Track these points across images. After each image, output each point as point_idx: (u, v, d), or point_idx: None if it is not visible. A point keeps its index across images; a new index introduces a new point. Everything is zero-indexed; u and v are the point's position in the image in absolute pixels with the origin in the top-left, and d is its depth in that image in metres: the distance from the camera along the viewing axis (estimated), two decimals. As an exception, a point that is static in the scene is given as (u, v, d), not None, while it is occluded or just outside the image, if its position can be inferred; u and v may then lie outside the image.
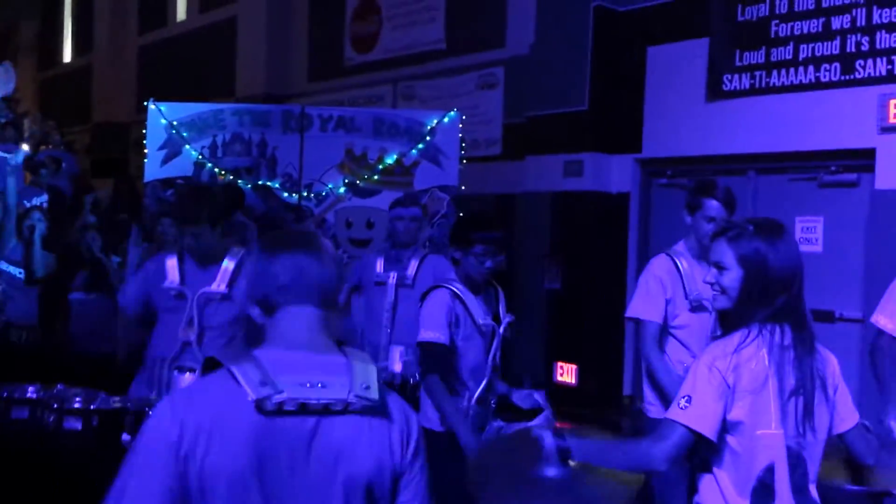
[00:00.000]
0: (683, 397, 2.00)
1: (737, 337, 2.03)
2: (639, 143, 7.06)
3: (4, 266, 5.04)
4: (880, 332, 3.13)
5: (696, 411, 1.98)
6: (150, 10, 14.49)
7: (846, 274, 5.90)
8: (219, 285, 3.42)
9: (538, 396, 3.36)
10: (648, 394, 3.34)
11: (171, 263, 3.49)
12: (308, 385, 1.45)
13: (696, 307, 3.25)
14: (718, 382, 1.99)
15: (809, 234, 6.14)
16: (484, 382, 3.16)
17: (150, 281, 3.55)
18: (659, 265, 3.37)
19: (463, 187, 6.65)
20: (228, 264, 3.43)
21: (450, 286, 3.19)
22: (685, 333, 3.28)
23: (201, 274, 3.45)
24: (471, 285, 3.19)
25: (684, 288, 3.28)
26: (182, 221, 3.45)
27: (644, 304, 3.35)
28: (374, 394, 1.48)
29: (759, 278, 2.07)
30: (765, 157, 6.28)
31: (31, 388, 3.13)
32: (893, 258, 5.39)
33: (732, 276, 2.14)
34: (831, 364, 2.13)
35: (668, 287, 3.30)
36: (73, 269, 5.25)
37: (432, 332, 3.11)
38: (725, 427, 2.00)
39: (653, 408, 3.30)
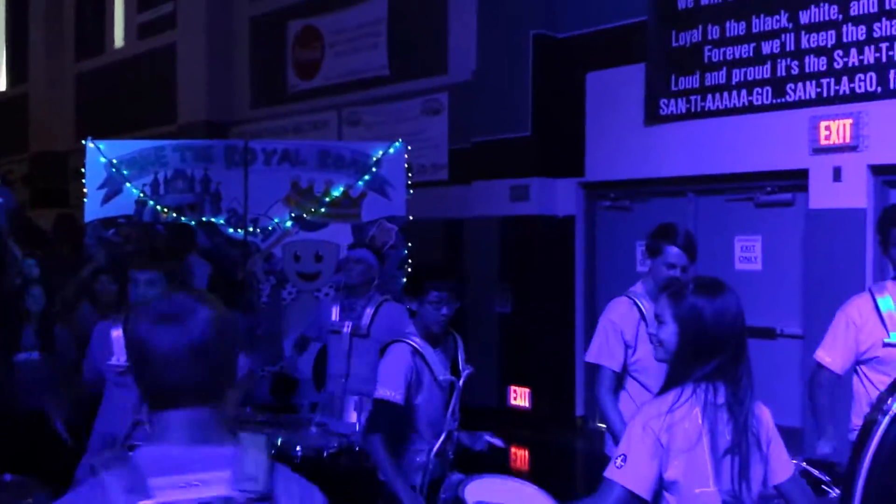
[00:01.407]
0: (619, 456, 2.05)
1: (671, 396, 2.08)
2: (582, 166, 7.19)
3: None
4: (820, 367, 3.21)
5: (630, 471, 2.02)
6: (86, 37, 14.20)
7: (785, 291, 6.09)
8: None
9: (489, 437, 3.37)
10: (609, 438, 3.35)
11: (116, 335, 3.29)
12: (186, 484, 1.37)
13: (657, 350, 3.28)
14: (652, 442, 2.02)
15: (749, 252, 6.32)
16: (443, 436, 3.15)
17: (96, 356, 3.42)
18: (617, 309, 3.37)
19: (411, 217, 6.66)
20: None
21: (409, 341, 3.16)
22: (646, 377, 3.28)
23: None
24: (429, 337, 3.18)
25: (647, 330, 3.26)
26: (135, 266, 3.29)
27: (602, 349, 3.35)
28: (259, 485, 1.40)
29: (694, 336, 2.11)
30: (703, 179, 6.44)
31: None
32: (829, 275, 5.59)
33: (669, 332, 2.19)
34: (765, 418, 2.18)
35: (629, 332, 3.31)
36: (12, 325, 5.06)
37: (388, 390, 3.07)
38: (664, 485, 2.04)
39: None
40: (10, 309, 5.10)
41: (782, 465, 2.17)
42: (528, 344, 7.18)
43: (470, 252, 7.75)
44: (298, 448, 3.68)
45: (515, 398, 7.10)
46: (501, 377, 7.20)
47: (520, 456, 6.36)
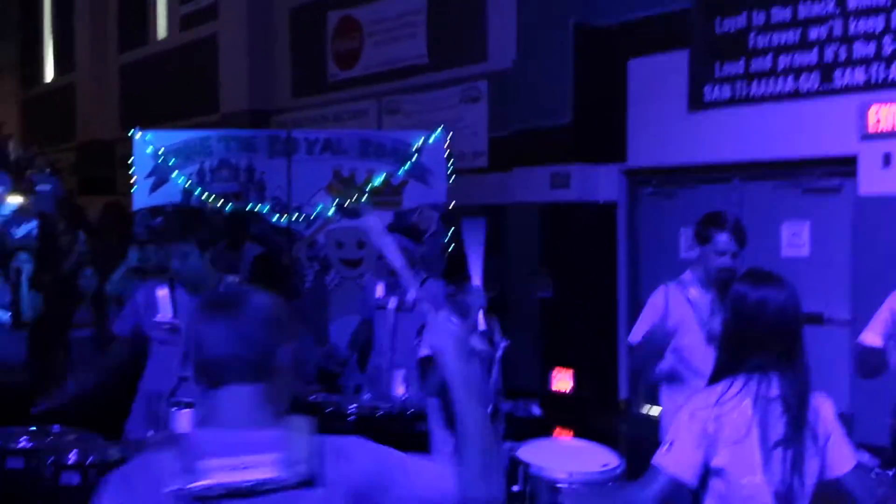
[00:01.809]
0: (667, 443, 2.08)
1: (720, 387, 2.09)
2: (623, 153, 7.15)
3: None
4: (865, 349, 3.20)
5: (675, 457, 2.06)
6: (130, 27, 14.47)
7: (833, 277, 6.00)
8: None
9: (533, 408, 3.43)
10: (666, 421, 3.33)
11: (162, 293, 3.38)
12: (234, 467, 1.41)
13: (712, 338, 3.14)
14: (699, 430, 2.05)
15: (796, 239, 6.24)
16: (489, 408, 3.21)
17: (141, 313, 3.45)
18: (661, 294, 3.38)
19: (452, 204, 6.70)
20: None
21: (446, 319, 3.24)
22: (698, 362, 3.21)
23: (194, 304, 3.32)
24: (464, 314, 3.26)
25: (697, 316, 3.26)
26: (167, 240, 3.39)
27: (640, 329, 3.38)
28: (304, 467, 1.44)
29: (736, 323, 2.12)
30: (748, 166, 6.37)
31: (23, 438, 3.02)
32: (878, 261, 5.51)
33: (717, 320, 2.21)
34: (823, 411, 2.16)
35: (672, 315, 3.27)
36: (68, 305, 5.23)
37: (429, 348, 3.18)
38: (711, 472, 2.06)
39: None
40: (66, 289, 5.28)
41: (842, 458, 2.15)
42: (570, 328, 7.19)
43: (510, 238, 7.77)
44: (353, 406, 3.79)
45: (558, 382, 7.13)
46: (544, 361, 7.23)
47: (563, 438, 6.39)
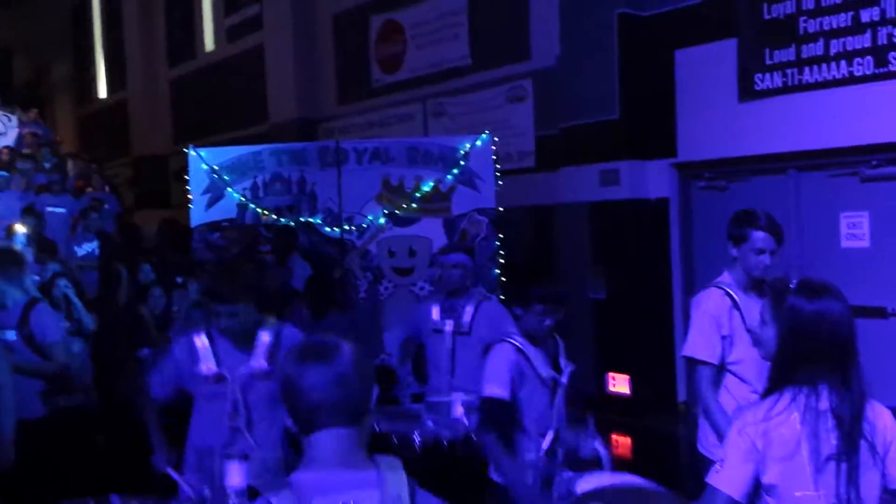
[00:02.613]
0: (719, 461, 2.08)
1: (767, 403, 2.07)
2: (673, 147, 7.04)
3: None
4: None
5: (725, 474, 2.05)
6: (178, 42, 14.79)
7: (895, 268, 5.83)
8: (259, 362, 3.18)
9: (598, 445, 3.39)
10: (709, 435, 3.27)
11: (202, 344, 3.21)
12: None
13: (757, 343, 3.19)
14: (747, 447, 2.04)
15: (855, 229, 6.07)
16: (550, 434, 3.21)
17: (181, 366, 3.26)
18: (711, 300, 3.26)
19: (501, 209, 6.69)
20: (265, 337, 3.21)
21: (511, 340, 3.26)
22: (743, 368, 3.21)
23: (237, 352, 3.21)
24: (530, 339, 3.27)
25: (743, 321, 3.19)
26: (216, 301, 3.19)
27: (699, 343, 3.27)
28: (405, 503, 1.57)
29: (791, 337, 2.09)
30: (804, 155, 6.22)
31: None
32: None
33: (770, 333, 2.17)
34: (881, 422, 2.10)
35: (725, 324, 3.22)
36: (132, 329, 5.39)
37: (495, 387, 3.17)
38: (763, 488, 2.05)
39: (709, 446, 3.25)
40: (128, 310, 5.44)
41: None
42: (625, 330, 7.12)
43: (560, 239, 7.73)
44: (417, 437, 3.82)
45: (614, 385, 7.07)
46: (599, 364, 7.18)
47: (622, 443, 6.35)
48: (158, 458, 3.27)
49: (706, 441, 3.30)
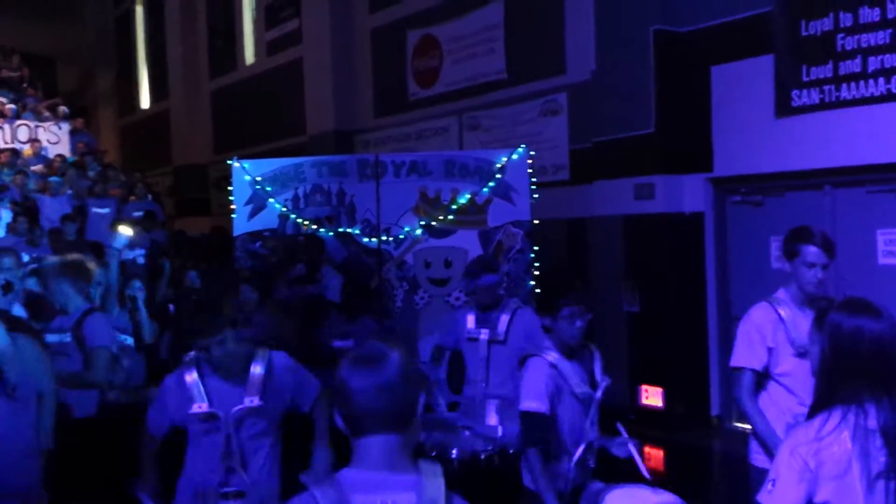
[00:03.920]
0: (770, 481, 2.12)
1: (817, 422, 2.11)
2: (709, 162, 7.08)
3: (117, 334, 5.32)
4: None
5: (778, 494, 2.09)
6: (220, 55, 15.12)
7: (934, 285, 5.80)
8: (251, 399, 3.12)
9: (631, 446, 3.44)
10: (753, 443, 3.33)
11: (192, 380, 3.15)
12: (379, 503, 1.62)
13: (802, 353, 3.17)
14: (800, 467, 2.07)
15: (892, 246, 6.05)
16: (583, 447, 3.26)
17: (174, 403, 3.21)
18: (759, 314, 3.33)
19: (536, 221, 6.78)
20: (256, 369, 3.17)
21: (545, 355, 3.29)
22: (791, 381, 3.25)
23: (228, 388, 3.16)
24: (566, 350, 3.29)
25: (788, 335, 3.26)
26: (200, 336, 3.13)
27: (744, 352, 3.31)
28: None
29: (833, 353, 2.14)
30: (840, 171, 6.22)
31: None
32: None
33: (815, 349, 2.23)
34: None
35: (769, 335, 3.29)
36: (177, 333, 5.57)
37: (533, 401, 3.20)
38: None
39: (760, 457, 3.29)
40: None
41: None
42: (658, 343, 7.15)
43: (594, 252, 7.79)
44: (455, 451, 3.89)
45: (647, 397, 7.10)
46: (632, 376, 7.21)
47: (654, 456, 6.37)
48: (141, 485, 3.27)
49: (754, 451, 3.33)
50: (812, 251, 3.22)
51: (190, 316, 3.94)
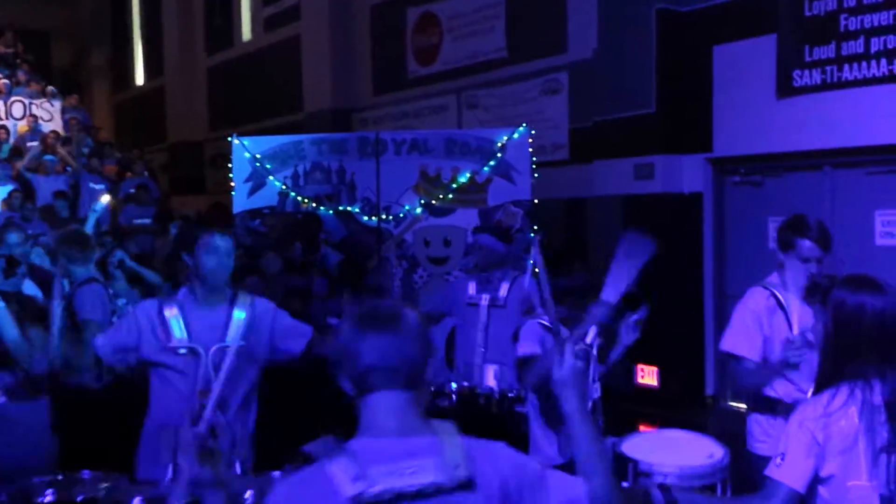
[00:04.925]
0: (779, 455, 2.15)
1: (825, 397, 2.14)
2: (709, 142, 7.07)
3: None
4: None
5: (787, 467, 2.12)
6: (216, 31, 14.99)
7: (931, 266, 5.83)
8: (233, 338, 2.97)
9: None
10: (756, 430, 3.34)
11: (172, 313, 3.05)
12: (400, 473, 1.53)
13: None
14: (808, 440, 2.11)
15: (891, 227, 6.08)
16: (588, 404, 3.31)
17: (149, 334, 3.07)
18: (754, 299, 3.29)
19: (536, 201, 6.78)
20: (238, 309, 3.09)
21: (541, 320, 3.38)
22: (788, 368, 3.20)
23: (209, 324, 3.07)
24: (562, 321, 3.35)
25: (789, 323, 3.22)
26: (195, 241, 3.05)
27: (740, 339, 3.28)
28: (463, 471, 1.56)
29: (836, 329, 2.16)
30: (840, 152, 6.23)
31: (51, 491, 2.63)
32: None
33: (818, 327, 2.25)
34: None
35: (765, 323, 3.26)
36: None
37: (527, 346, 3.31)
38: (819, 480, 2.12)
39: (761, 444, 3.30)
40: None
41: None
42: (654, 323, 7.10)
43: (593, 231, 7.80)
44: (453, 384, 3.90)
45: (643, 377, 7.14)
46: (627, 356, 7.22)
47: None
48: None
49: (754, 439, 3.34)
50: (807, 246, 3.18)
51: (201, 220, 3.81)
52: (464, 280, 4.73)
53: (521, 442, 3.36)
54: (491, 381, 4.32)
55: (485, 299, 4.49)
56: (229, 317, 3.09)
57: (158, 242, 7.99)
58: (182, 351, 3.04)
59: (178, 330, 3.04)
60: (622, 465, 2.91)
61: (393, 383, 1.60)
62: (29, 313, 3.60)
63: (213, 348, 3.03)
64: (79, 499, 2.61)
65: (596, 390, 3.40)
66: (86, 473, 2.78)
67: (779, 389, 3.26)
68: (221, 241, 3.04)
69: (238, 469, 2.91)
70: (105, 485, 2.68)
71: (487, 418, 3.89)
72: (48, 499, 2.60)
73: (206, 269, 3.04)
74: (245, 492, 2.50)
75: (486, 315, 4.46)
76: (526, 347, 3.32)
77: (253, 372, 3.18)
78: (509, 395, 4.01)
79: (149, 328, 3.08)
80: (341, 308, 5.26)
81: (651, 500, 2.17)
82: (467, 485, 1.57)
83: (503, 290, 4.48)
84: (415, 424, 1.62)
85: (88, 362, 4.22)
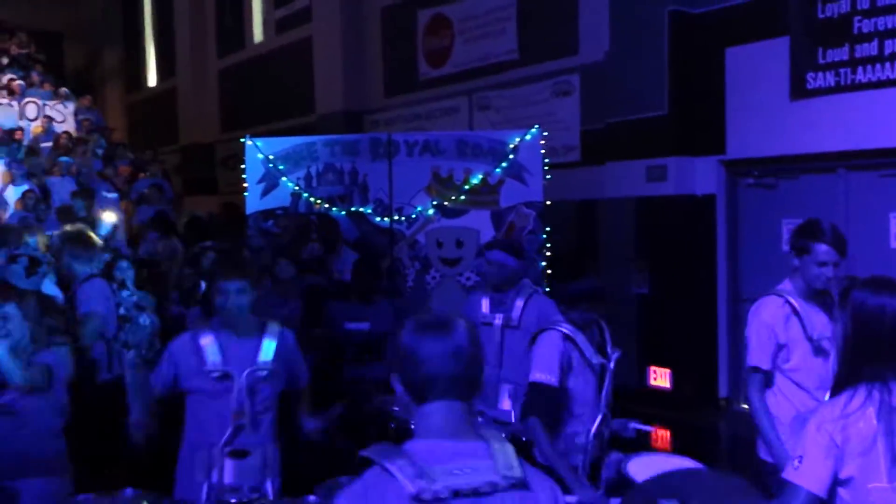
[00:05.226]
0: (796, 458, 2.14)
1: (842, 399, 2.13)
2: (722, 144, 7.06)
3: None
4: None
5: (806, 471, 2.10)
6: (228, 33, 15.05)
7: (946, 269, 5.80)
8: (265, 363, 3.22)
9: (635, 425, 3.49)
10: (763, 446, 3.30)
11: (207, 341, 3.23)
12: (457, 472, 1.60)
13: (818, 350, 3.18)
14: (826, 442, 2.10)
15: (905, 229, 6.06)
16: (599, 418, 3.31)
17: (186, 362, 3.26)
18: (768, 309, 3.26)
19: (549, 202, 6.78)
20: (269, 338, 3.28)
21: (559, 328, 3.36)
22: (802, 376, 3.22)
23: (242, 351, 3.25)
24: (576, 327, 3.37)
25: (804, 330, 3.18)
26: (223, 278, 3.22)
27: (762, 353, 3.25)
28: (517, 472, 1.64)
29: (856, 331, 2.15)
30: (854, 154, 6.21)
31: None
32: None
33: (838, 329, 2.24)
34: None
35: (781, 332, 3.21)
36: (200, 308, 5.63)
37: (544, 373, 3.27)
38: (838, 482, 2.11)
39: (768, 456, 3.26)
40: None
41: None
42: (667, 324, 7.18)
43: (605, 234, 7.80)
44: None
45: (655, 378, 7.14)
46: (640, 357, 7.24)
47: (662, 437, 6.41)
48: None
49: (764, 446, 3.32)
50: (823, 250, 3.13)
51: (216, 262, 3.98)
52: (478, 297, 4.63)
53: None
54: (506, 402, 4.28)
55: (498, 319, 4.40)
56: (260, 343, 3.27)
57: (160, 245, 8.03)
58: (216, 374, 3.19)
59: (212, 355, 3.21)
60: (624, 485, 2.91)
61: (450, 393, 1.67)
62: (49, 312, 3.67)
63: (246, 372, 3.19)
64: None
65: (606, 405, 3.37)
66: (128, 492, 2.91)
67: (792, 398, 3.24)
68: (232, 285, 3.20)
69: (269, 489, 3.06)
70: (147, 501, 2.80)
71: None
72: None
73: (223, 310, 3.24)
74: None
75: (500, 335, 4.38)
76: (540, 374, 3.28)
77: (277, 397, 3.37)
78: (523, 439, 3.93)
79: (183, 358, 3.27)
80: (360, 312, 5.26)
81: None
82: (521, 484, 1.65)
83: (517, 309, 4.37)
84: (466, 430, 1.69)
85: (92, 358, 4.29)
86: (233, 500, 2.93)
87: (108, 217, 6.65)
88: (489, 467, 1.63)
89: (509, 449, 1.67)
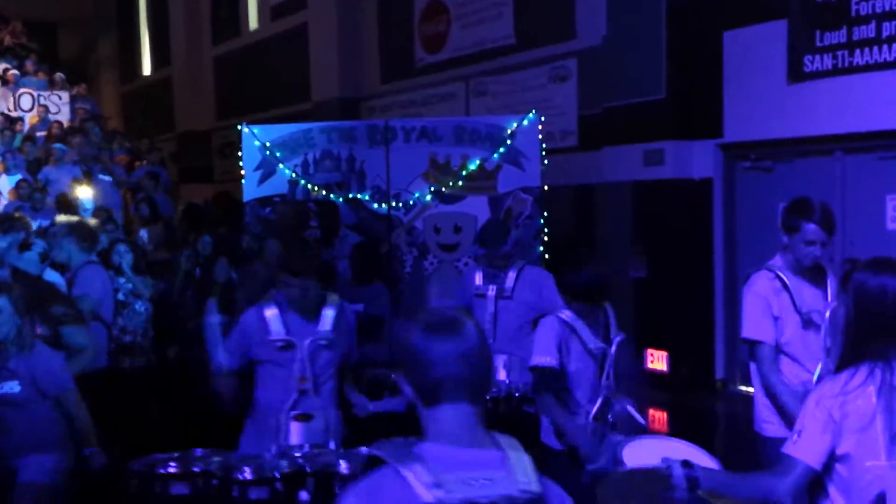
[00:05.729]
0: (796, 432, 2.17)
1: (844, 376, 2.16)
2: (720, 128, 7.06)
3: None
4: None
5: (803, 444, 2.15)
6: (222, 20, 14.97)
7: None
8: (325, 330, 3.49)
9: (630, 408, 3.52)
10: (764, 412, 3.34)
11: (271, 314, 3.49)
12: (474, 483, 1.52)
13: (807, 323, 3.23)
14: (825, 417, 2.14)
15: (902, 212, 6.07)
16: (599, 401, 3.35)
17: (250, 336, 3.54)
18: (762, 284, 3.31)
19: (546, 187, 6.79)
20: (329, 310, 3.53)
21: (558, 315, 3.42)
22: (793, 349, 3.26)
23: (304, 322, 3.50)
24: (579, 312, 3.39)
25: (794, 303, 3.23)
26: (290, 274, 3.48)
27: (757, 324, 3.28)
28: (535, 486, 1.56)
29: (857, 311, 2.18)
30: (851, 137, 6.22)
31: (171, 464, 3.04)
32: None
33: (841, 308, 2.27)
34: None
35: (775, 305, 3.26)
36: (194, 292, 5.64)
37: (542, 356, 3.34)
38: (836, 458, 2.14)
39: (769, 426, 3.32)
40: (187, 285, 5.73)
41: None
42: (664, 308, 7.20)
43: (603, 218, 7.81)
44: None
45: (653, 361, 7.17)
46: (638, 341, 7.26)
47: (658, 419, 6.45)
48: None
49: (762, 420, 3.36)
50: (811, 229, 3.18)
51: (287, 254, 4.40)
52: (471, 271, 4.75)
53: (529, 444, 3.40)
54: (501, 372, 4.37)
55: (492, 290, 4.55)
56: (320, 314, 3.52)
57: (153, 231, 8.07)
58: (280, 344, 3.45)
59: (276, 326, 3.47)
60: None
61: (462, 396, 1.60)
62: (55, 300, 3.79)
63: (308, 340, 3.44)
64: (195, 469, 3.01)
65: (607, 388, 3.41)
66: (198, 451, 3.20)
67: (786, 372, 3.28)
68: (297, 281, 3.50)
69: (332, 446, 3.29)
70: (217, 458, 3.10)
71: (495, 419, 3.92)
72: (171, 469, 3.01)
73: (297, 301, 3.53)
74: (339, 464, 2.94)
75: (493, 306, 4.51)
76: (540, 357, 3.36)
77: (337, 366, 3.60)
78: (516, 394, 4.03)
79: (251, 330, 3.54)
80: (357, 294, 5.28)
81: (671, 473, 2.19)
82: (538, 500, 1.57)
83: (510, 280, 4.53)
84: (482, 437, 1.62)
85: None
86: (296, 452, 3.15)
87: (84, 193, 6.60)
88: (506, 479, 1.55)
89: (526, 459, 1.60)
